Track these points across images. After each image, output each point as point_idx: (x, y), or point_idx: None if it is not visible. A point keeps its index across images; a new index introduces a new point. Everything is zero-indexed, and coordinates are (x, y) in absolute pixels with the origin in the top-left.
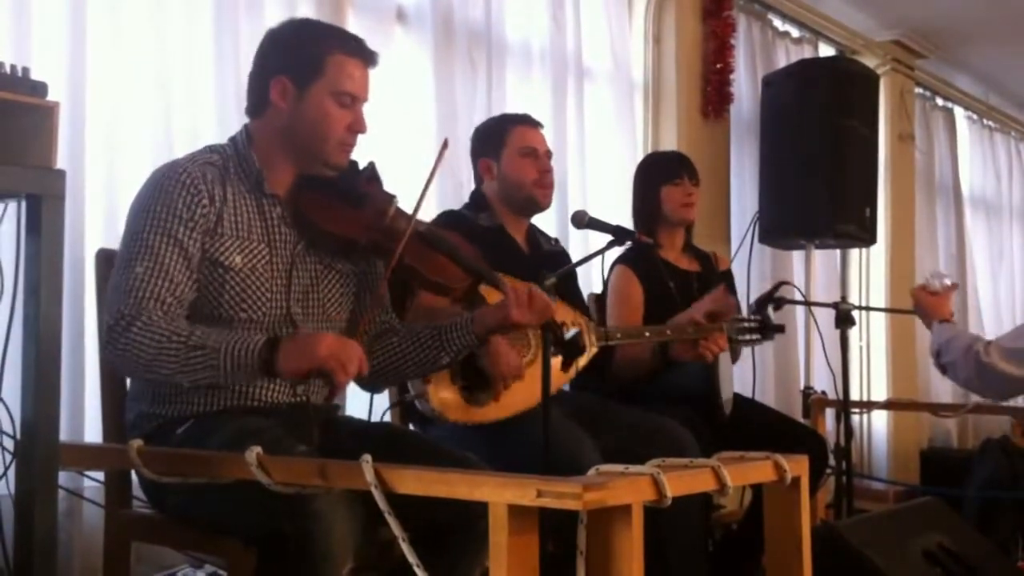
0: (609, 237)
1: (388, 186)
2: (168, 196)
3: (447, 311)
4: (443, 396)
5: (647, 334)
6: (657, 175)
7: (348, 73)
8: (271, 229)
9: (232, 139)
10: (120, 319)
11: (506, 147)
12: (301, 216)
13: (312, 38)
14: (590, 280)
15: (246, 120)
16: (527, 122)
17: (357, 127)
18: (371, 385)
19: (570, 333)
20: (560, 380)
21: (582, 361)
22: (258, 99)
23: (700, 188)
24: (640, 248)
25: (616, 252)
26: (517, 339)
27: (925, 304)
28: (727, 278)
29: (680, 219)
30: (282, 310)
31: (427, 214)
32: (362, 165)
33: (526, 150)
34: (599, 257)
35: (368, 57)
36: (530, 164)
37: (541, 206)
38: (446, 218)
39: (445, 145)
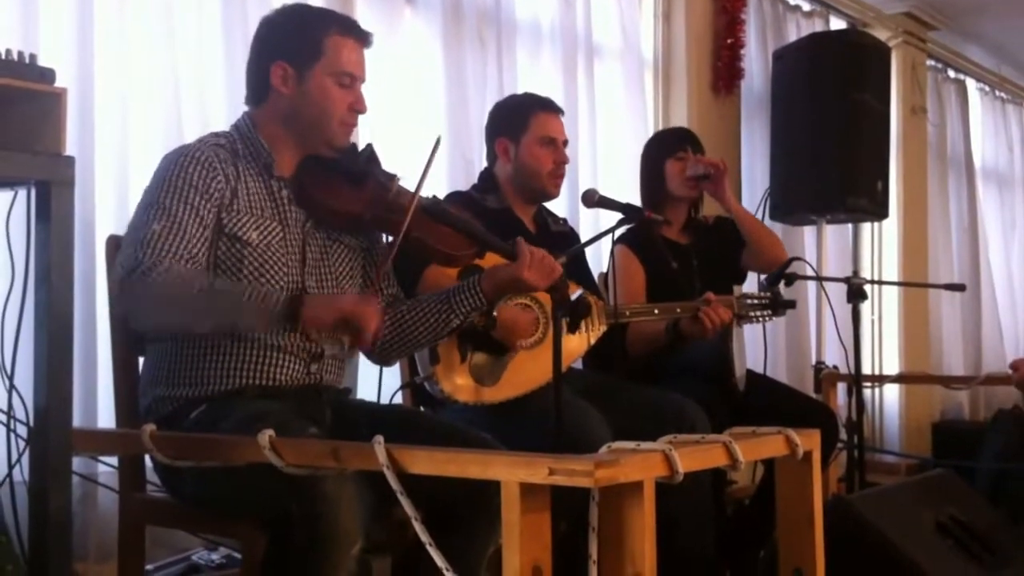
0: (619, 216)
1: (396, 168)
2: (184, 170)
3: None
4: (453, 377)
5: (656, 311)
6: (660, 151)
7: (346, 54)
8: (282, 209)
9: (235, 126)
10: (138, 265)
11: (527, 132)
12: (306, 196)
13: (308, 22)
14: (600, 259)
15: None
16: (550, 109)
17: (357, 107)
18: (383, 357)
19: (575, 294)
20: (571, 357)
21: (592, 337)
22: (258, 86)
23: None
24: (640, 228)
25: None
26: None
27: None
28: (720, 227)
29: (685, 194)
30: (297, 284)
31: (435, 192)
32: (360, 147)
33: (546, 139)
34: (609, 236)
35: (363, 37)
36: (548, 154)
37: (551, 195)
38: (452, 199)
39: (438, 142)
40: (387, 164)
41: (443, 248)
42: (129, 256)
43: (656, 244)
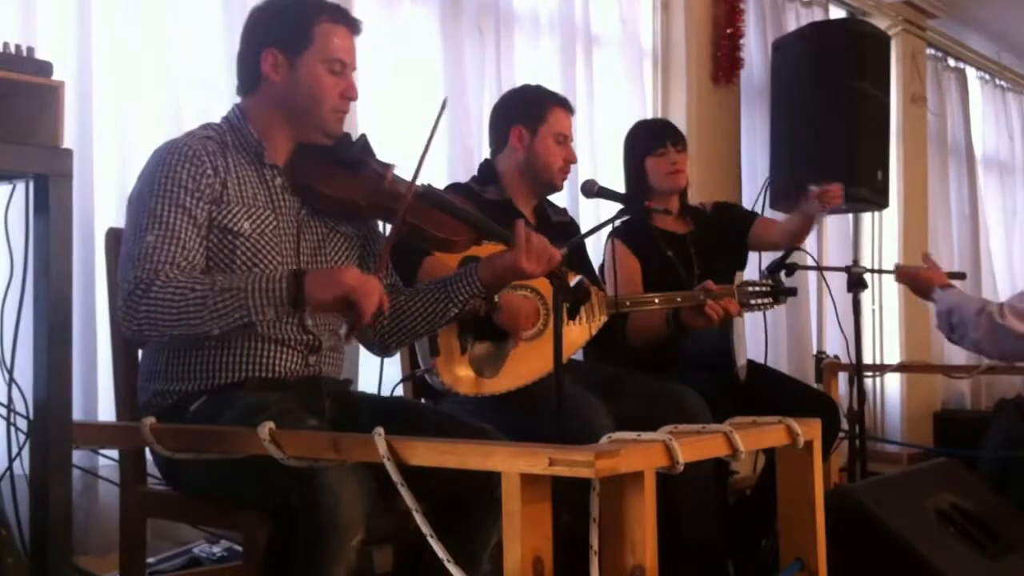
0: (619, 206)
1: (394, 156)
2: (172, 169)
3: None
4: (453, 369)
5: (656, 301)
6: (639, 147)
7: (336, 41)
8: (275, 197)
9: (225, 118)
10: (138, 285)
11: (545, 125)
12: (301, 183)
13: (298, 9)
14: (600, 250)
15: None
16: (567, 106)
17: (349, 93)
18: (382, 347)
19: (575, 280)
20: (572, 348)
21: (593, 328)
22: (250, 75)
23: (696, 153)
24: (633, 220)
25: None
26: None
27: (922, 275)
28: (719, 213)
29: (668, 188)
30: None
31: (435, 183)
32: (355, 138)
33: (560, 136)
34: (608, 227)
35: (353, 24)
36: (560, 151)
37: (557, 188)
38: (451, 191)
39: (444, 105)
40: (385, 153)
41: (440, 234)
42: (128, 275)
43: (651, 235)
